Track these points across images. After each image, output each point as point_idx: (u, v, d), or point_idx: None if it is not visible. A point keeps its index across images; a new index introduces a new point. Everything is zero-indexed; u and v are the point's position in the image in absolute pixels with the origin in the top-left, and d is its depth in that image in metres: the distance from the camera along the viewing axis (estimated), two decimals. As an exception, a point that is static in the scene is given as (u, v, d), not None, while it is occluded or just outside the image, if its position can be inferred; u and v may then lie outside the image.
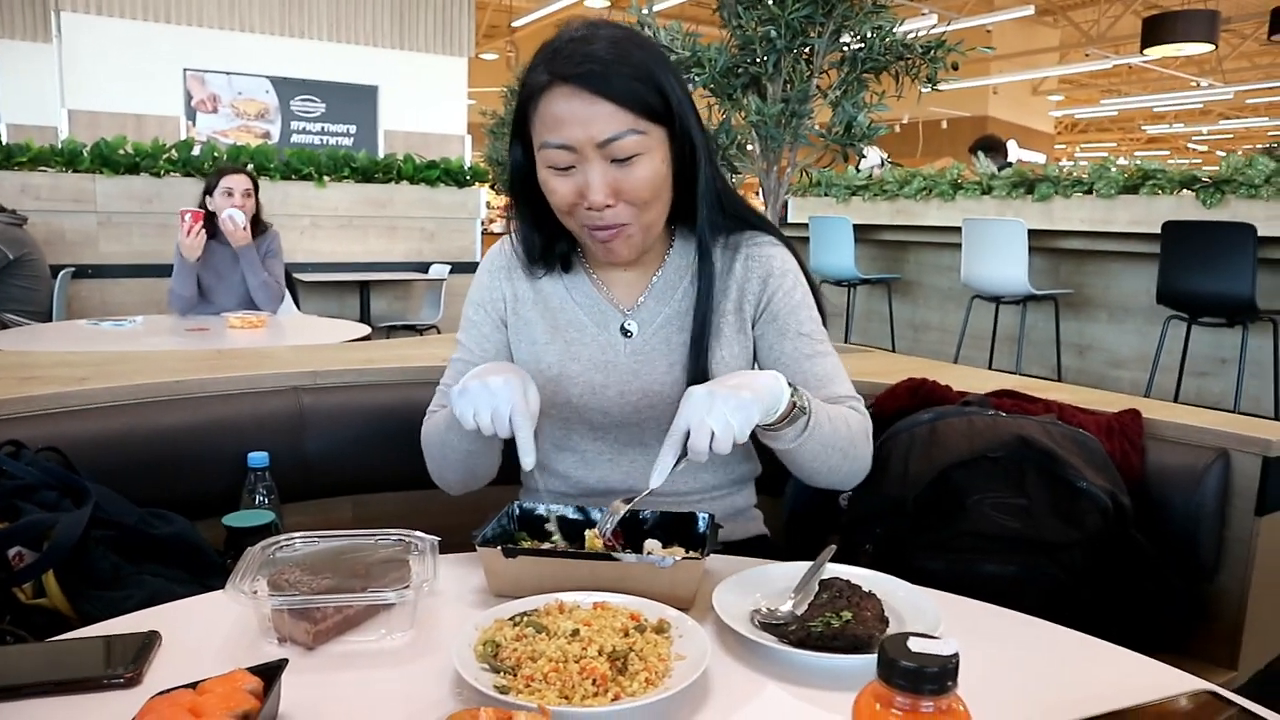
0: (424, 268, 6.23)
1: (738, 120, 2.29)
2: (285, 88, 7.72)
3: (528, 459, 1.04)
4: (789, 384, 1.05)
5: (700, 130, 1.18)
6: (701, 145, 1.18)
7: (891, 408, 1.46)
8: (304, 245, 5.77)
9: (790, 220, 6.16)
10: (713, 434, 0.96)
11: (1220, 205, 3.98)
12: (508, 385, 1.03)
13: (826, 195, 5.87)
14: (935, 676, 0.52)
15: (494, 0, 13.94)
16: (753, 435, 1.02)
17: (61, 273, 4.75)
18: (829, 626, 0.85)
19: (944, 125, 16.51)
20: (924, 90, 2.34)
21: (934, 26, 11.52)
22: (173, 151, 5.40)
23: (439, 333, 5.92)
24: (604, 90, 1.07)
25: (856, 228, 5.31)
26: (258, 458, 1.46)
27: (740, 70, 2.27)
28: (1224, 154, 3.94)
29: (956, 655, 0.53)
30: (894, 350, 5.50)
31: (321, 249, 5.90)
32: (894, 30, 2.27)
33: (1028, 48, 15.78)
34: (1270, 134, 21.17)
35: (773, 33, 2.18)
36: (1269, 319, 3.78)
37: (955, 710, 0.54)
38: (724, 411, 0.97)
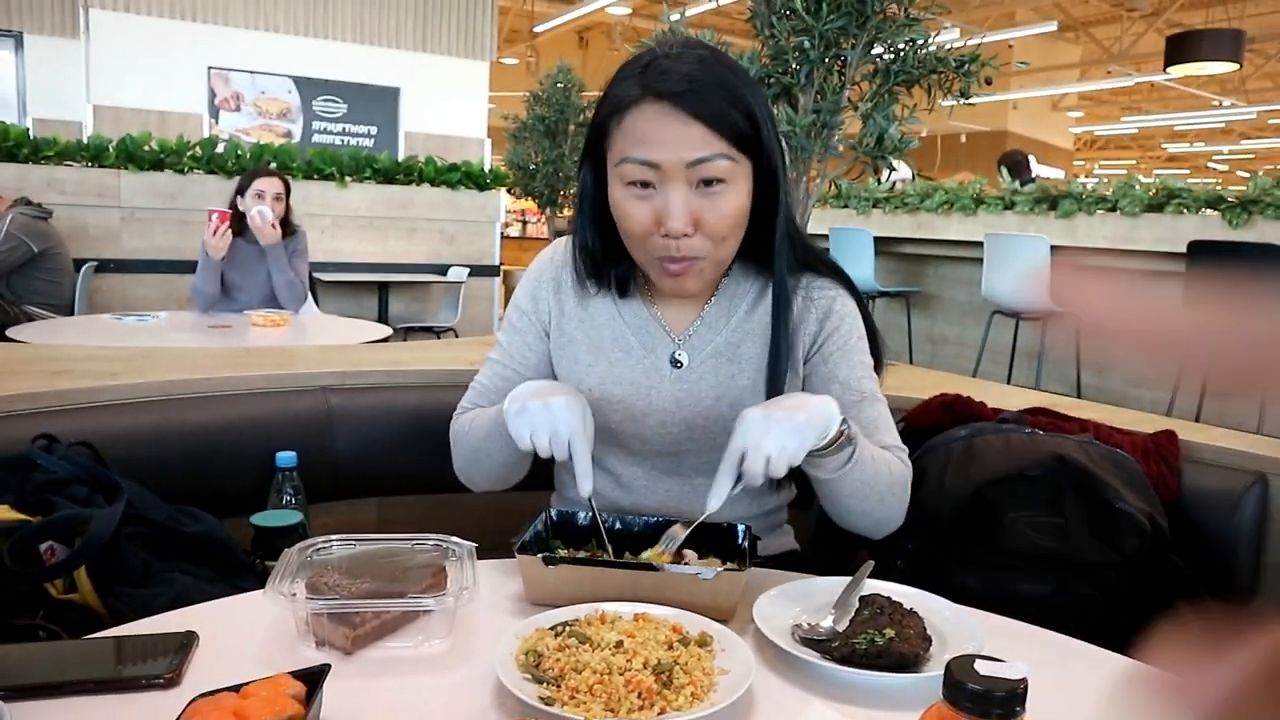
0: (443, 270, 6.24)
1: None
2: (308, 88, 7.76)
3: (585, 485, 1.02)
4: (839, 412, 1.03)
5: (784, 169, 1.15)
6: (784, 183, 1.14)
7: (925, 423, 1.45)
8: (324, 245, 5.79)
9: (811, 231, 6.15)
10: (768, 458, 0.95)
11: (1247, 226, 3.95)
12: (569, 410, 1.02)
13: (847, 206, 5.86)
14: (1004, 701, 0.51)
15: (515, 5, 13.99)
16: None
17: (84, 267, 4.78)
18: (872, 644, 0.84)
19: (963, 139, 16.47)
20: (955, 104, 2.33)
21: (957, 40, 11.53)
22: (197, 149, 5.43)
23: (456, 335, 5.92)
24: (700, 111, 1.03)
25: (877, 240, 5.29)
26: (286, 457, 1.46)
27: (772, 80, 2.27)
28: (1248, 174, 3.90)
29: (1025, 680, 0.52)
30: (911, 363, 5.48)
31: (342, 249, 5.92)
32: (928, 43, 2.26)
33: (1049, 63, 15.74)
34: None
35: (806, 43, 2.17)
36: (1294, 341, 3.75)
37: (1023, 737, 0.53)
38: (780, 435, 0.95)
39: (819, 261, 1.24)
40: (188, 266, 3.60)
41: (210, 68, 7.38)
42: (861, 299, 1.26)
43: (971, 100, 2.21)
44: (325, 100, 7.83)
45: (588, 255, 1.21)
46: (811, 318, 1.22)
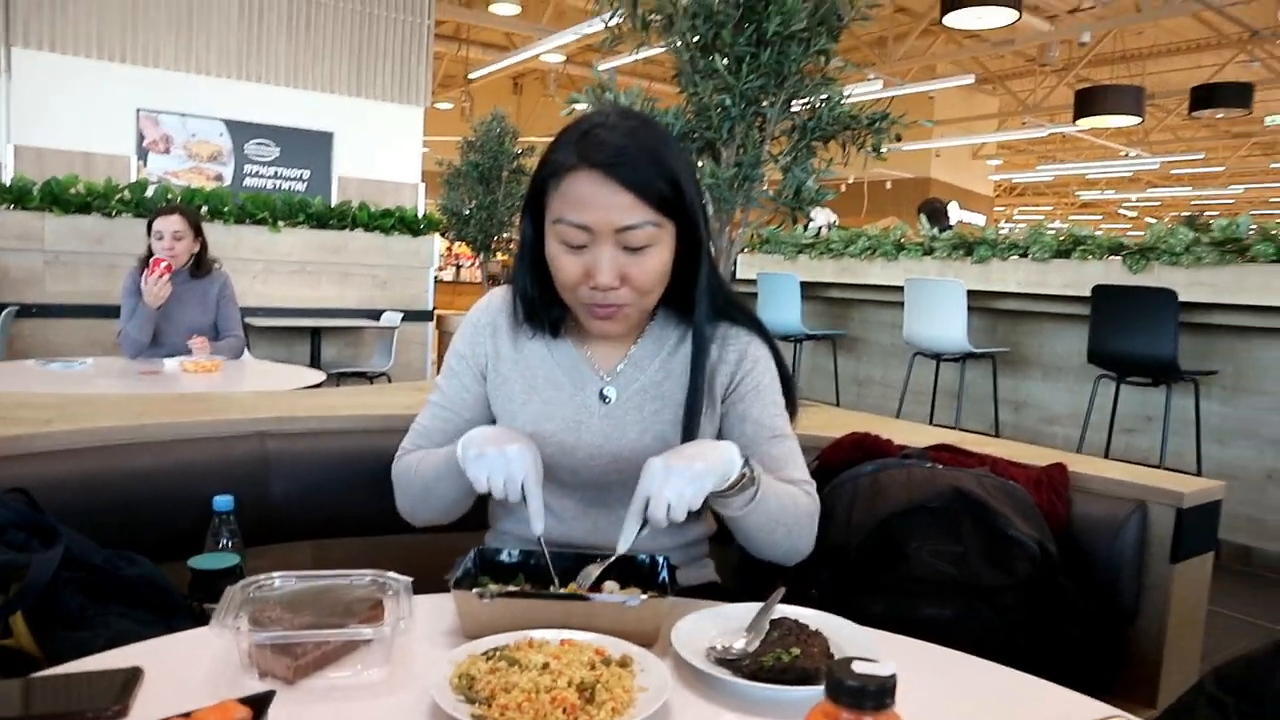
0: (376, 315, 6.24)
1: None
2: (240, 131, 7.72)
3: (538, 525, 1.11)
4: (742, 455, 1.12)
5: (706, 226, 1.26)
6: (705, 241, 1.25)
7: (836, 460, 1.55)
8: (256, 289, 5.76)
9: (740, 276, 6.32)
10: (669, 505, 1.04)
11: (1145, 270, 4.19)
12: (522, 455, 1.11)
13: (775, 253, 6.04)
14: (876, 693, 0.59)
15: (450, 51, 14.14)
16: (706, 501, 1.10)
17: (5, 311, 4.69)
18: (779, 661, 0.92)
19: (888, 186, 17.01)
20: (872, 157, 2.47)
21: (880, 92, 11.95)
22: (126, 192, 5.38)
23: (389, 380, 5.92)
24: (629, 181, 1.13)
25: (803, 284, 5.47)
26: (223, 501, 1.48)
27: (696, 135, 2.39)
28: (1153, 220, 4.16)
29: (894, 675, 0.61)
30: (838, 404, 5.64)
31: (274, 294, 5.89)
32: (842, 102, 2.40)
33: (968, 114, 16.41)
34: (1194, 202, 22.16)
35: (728, 101, 2.30)
36: (1190, 379, 3.98)
37: (894, 728, 0.61)
38: (678, 484, 1.05)
39: (737, 311, 1.35)
40: (114, 311, 3.56)
41: (139, 109, 7.32)
42: (776, 346, 1.37)
43: (883, 155, 2.35)
44: (258, 144, 7.80)
45: (525, 299, 1.31)
46: (728, 361, 1.32)
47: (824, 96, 2.43)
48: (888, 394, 5.54)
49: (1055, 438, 4.77)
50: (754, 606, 1.09)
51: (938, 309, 4.59)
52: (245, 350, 3.77)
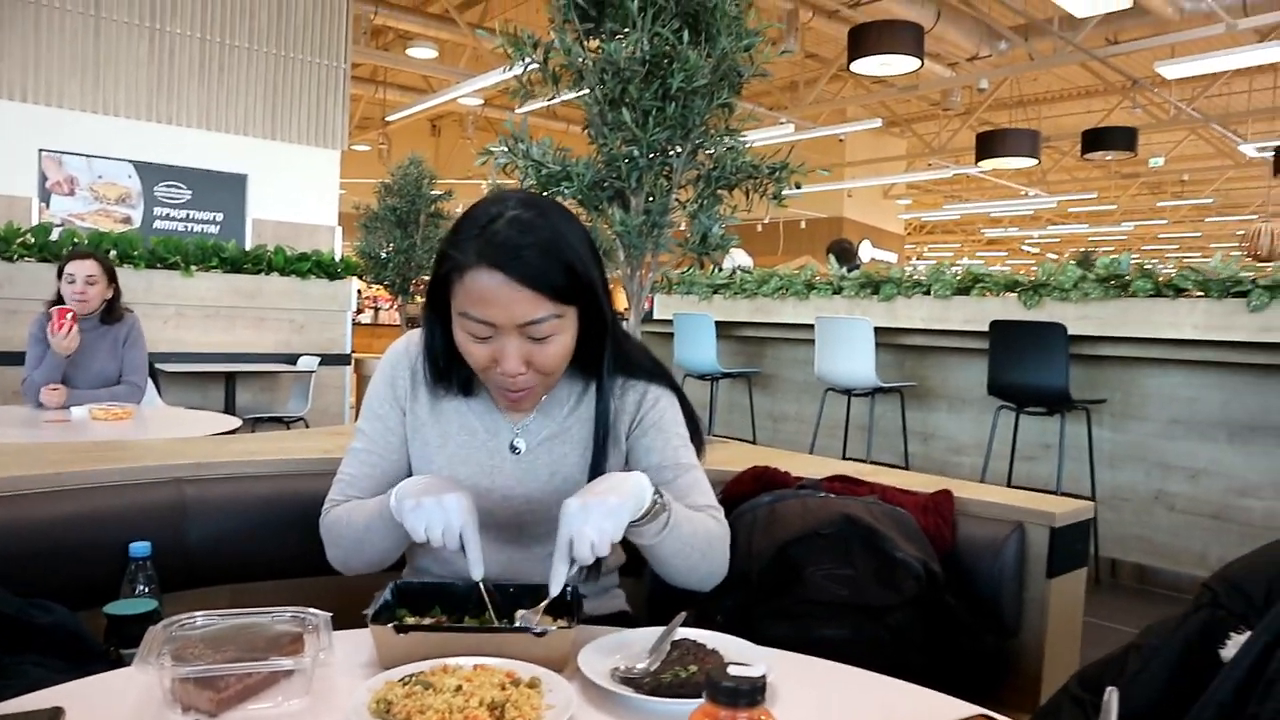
0: (293, 359, 6.18)
1: (603, 229, 2.49)
2: (149, 173, 7.58)
3: (478, 570, 1.15)
4: (651, 483, 1.18)
5: (609, 303, 1.31)
6: (609, 318, 1.31)
7: (737, 492, 1.64)
8: (168, 335, 5.66)
9: (656, 316, 6.46)
10: (592, 543, 1.09)
11: (1038, 306, 4.44)
12: (459, 503, 1.15)
13: (690, 294, 6.18)
14: (747, 692, 0.67)
15: (367, 94, 14.13)
16: None
17: (-101, 361, 4.53)
18: (677, 677, 1.00)
19: (803, 225, 17.48)
20: (772, 204, 2.60)
21: (792, 135, 12.31)
22: (29, 235, 5.26)
23: (306, 425, 5.86)
24: (528, 279, 1.17)
25: (718, 324, 5.61)
26: (139, 548, 1.50)
27: (606, 184, 2.49)
28: (1054, 255, 4.42)
29: (764, 676, 0.69)
30: (755, 440, 5.77)
31: (186, 339, 5.80)
32: (744, 152, 2.53)
33: (878, 155, 17.02)
34: (1090, 238, 23.26)
35: (635, 152, 2.40)
36: (1082, 408, 4.22)
37: (765, 722, 0.69)
38: (597, 519, 1.10)
39: (639, 365, 1.42)
40: (16, 359, 3.49)
41: (41, 150, 7.15)
42: (678, 388, 1.45)
43: (784, 202, 2.48)
44: (168, 186, 7.67)
45: (434, 370, 1.36)
46: (630, 403, 1.40)
47: (728, 147, 2.56)
48: (802, 429, 5.70)
49: (962, 467, 4.97)
50: (657, 630, 1.16)
51: (847, 346, 4.77)
52: (155, 396, 3.72)
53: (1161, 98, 12.38)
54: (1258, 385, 3.97)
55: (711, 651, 1.07)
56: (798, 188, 2.50)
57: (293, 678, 0.99)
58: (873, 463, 4.98)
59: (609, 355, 1.34)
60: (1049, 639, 1.64)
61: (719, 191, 2.53)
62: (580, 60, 2.52)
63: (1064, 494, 4.18)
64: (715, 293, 6.03)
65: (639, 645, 1.12)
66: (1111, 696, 0.81)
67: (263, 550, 1.72)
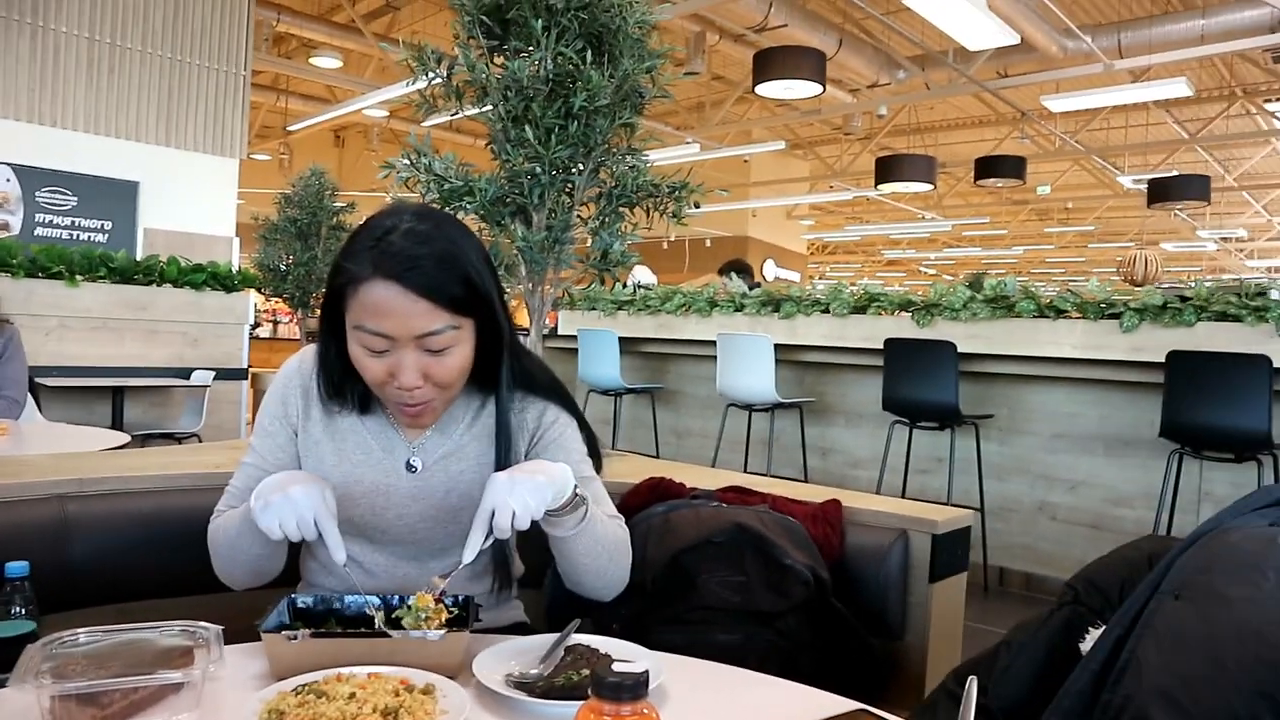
0: (186, 374, 5.98)
1: (505, 245, 2.51)
2: (30, 177, 7.25)
3: (340, 554, 1.15)
4: (574, 478, 1.21)
5: (506, 316, 1.32)
6: (506, 330, 1.32)
7: (634, 504, 1.67)
8: (49, 348, 5.42)
9: (561, 332, 6.48)
10: (514, 513, 1.11)
11: (930, 325, 4.62)
12: (308, 493, 1.14)
13: (594, 310, 6.23)
14: (630, 686, 0.71)
15: (268, 101, 13.80)
16: (522, 535, 1.18)
17: None
18: (569, 680, 1.02)
19: (708, 244, 17.74)
20: (672, 222, 2.66)
21: (698, 155, 12.51)
22: (-102, 244, 4.98)
23: (200, 441, 5.68)
24: (424, 289, 1.17)
25: (622, 340, 5.66)
26: (15, 567, 1.45)
27: (509, 200, 2.51)
28: (950, 277, 4.60)
29: (646, 672, 0.72)
30: (659, 455, 5.83)
31: (70, 352, 5.56)
32: (645, 171, 2.59)
33: (782, 177, 17.42)
34: (984, 261, 24.22)
35: (537, 169, 2.43)
36: (971, 423, 4.40)
37: (647, 715, 0.72)
38: (523, 493, 1.12)
39: (537, 382, 1.43)
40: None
41: (-89, 153, 6.79)
42: (575, 406, 1.47)
43: (684, 221, 2.54)
44: (51, 191, 7.35)
45: (330, 386, 1.35)
46: (528, 421, 1.41)
47: (630, 165, 2.61)
48: (705, 444, 5.78)
49: (859, 480, 5.12)
50: (552, 637, 1.19)
51: (748, 362, 4.87)
52: (35, 411, 3.56)
53: (1048, 130, 13.01)
54: (1130, 401, 4.22)
55: (604, 656, 1.10)
56: (697, 207, 2.56)
57: (181, 692, 0.98)
58: (772, 476, 5.09)
59: (507, 370, 1.35)
60: (932, 640, 1.72)
61: (620, 209, 2.58)
62: (484, 77, 2.54)
63: (955, 505, 4.36)
64: (619, 309, 6.08)
65: (533, 651, 1.15)
66: (971, 685, 0.86)
67: (150, 568, 1.67)
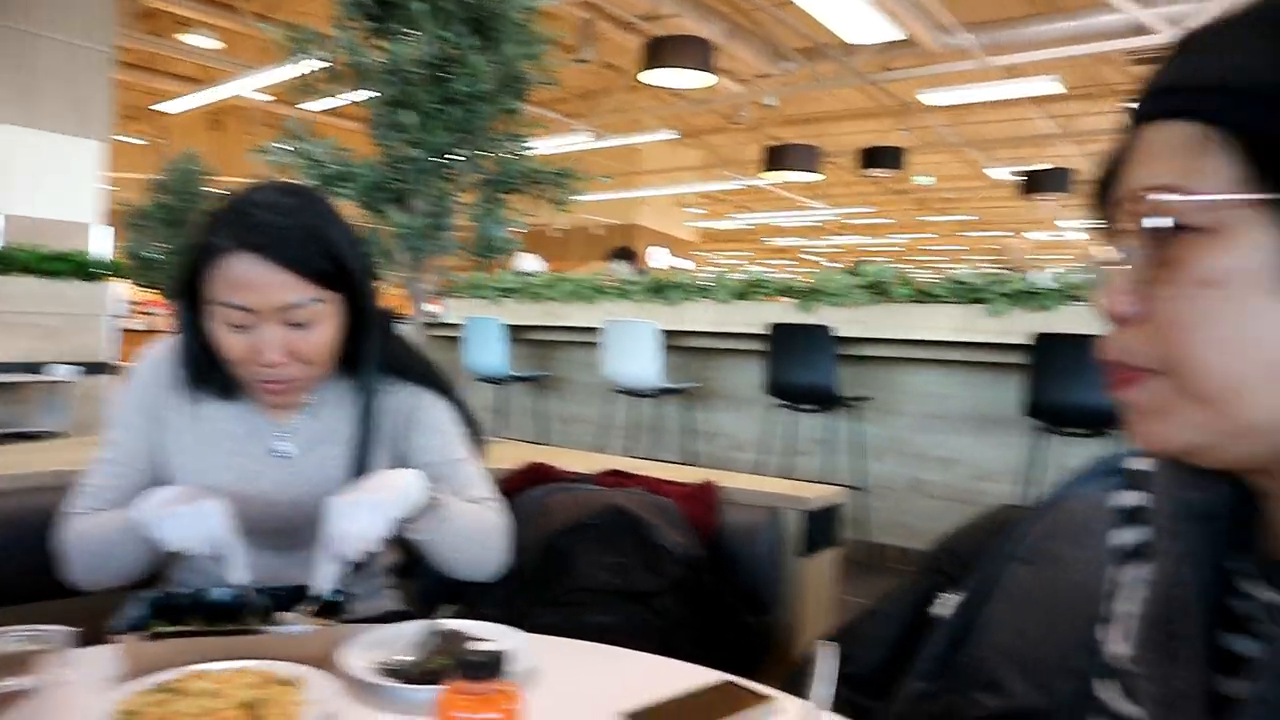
0: (36, 368, 5.66)
1: (384, 230, 2.47)
2: None
3: (241, 575, 1.13)
4: (426, 481, 1.19)
5: (373, 295, 1.30)
6: (375, 314, 1.30)
7: (512, 489, 1.68)
8: (-111, 342, 5.07)
9: (446, 321, 6.40)
10: (358, 539, 1.09)
11: (812, 310, 4.75)
12: (217, 510, 1.12)
13: (480, 297, 6.17)
14: (488, 665, 0.72)
15: (139, 81, 13.12)
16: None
17: None
18: (441, 666, 1.02)
19: (599, 232, 17.75)
20: (556, 209, 2.67)
21: (588, 143, 12.49)
22: None
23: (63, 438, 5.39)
24: (288, 260, 1.16)
25: (509, 327, 5.64)
26: None
27: (388, 186, 2.47)
28: (838, 264, 4.72)
29: (502, 653, 0.73)
30: (545, 442, 5.84)
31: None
32: (529, 158, 2.58)
33: (673, 165, 17.54)
34: (868, 249, 24.97)
35: (417, 154, 2.40)
36: (850, 405, 4.55)
37: (508, 693, 0.74)
38: (363, 516, 1.10)
39: (409, 365, 1.41)
40: None
41: None
42: (449, 388, 1.45)
43: (567, 208, 2.55)
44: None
45: (192, 371, 1.31)
46: (401, 404, 1.39)
47: (513, 152, 2.60)
48: (592, 430, 5.81)
49: (744, 464, 5.23)
50: (424, 624, 1.18)
51: (634, 348, 4.92)
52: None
53: (927, 122, 13.47)
54: (997, 382, 4.43)
55: (476, 640, 1.10)
56: (580, 195, 2.57)
57: (29, 698, 0.94)
58: (656, 460, 5.16)
59: (376, 353, 1.34)
60: (804, 614, 1.78)
61: (502, 196, 2.57)
62: (364, 60, 2.49)
63: (836, 485, 4.50)
64: (505, 296, 6.05)
65: (405, 639, 1.14)
66: (826, 652, 0.91)
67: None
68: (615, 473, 1.74)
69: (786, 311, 4.86)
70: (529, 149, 2.63)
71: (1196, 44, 0.56)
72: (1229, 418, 0.53)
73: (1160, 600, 0.64)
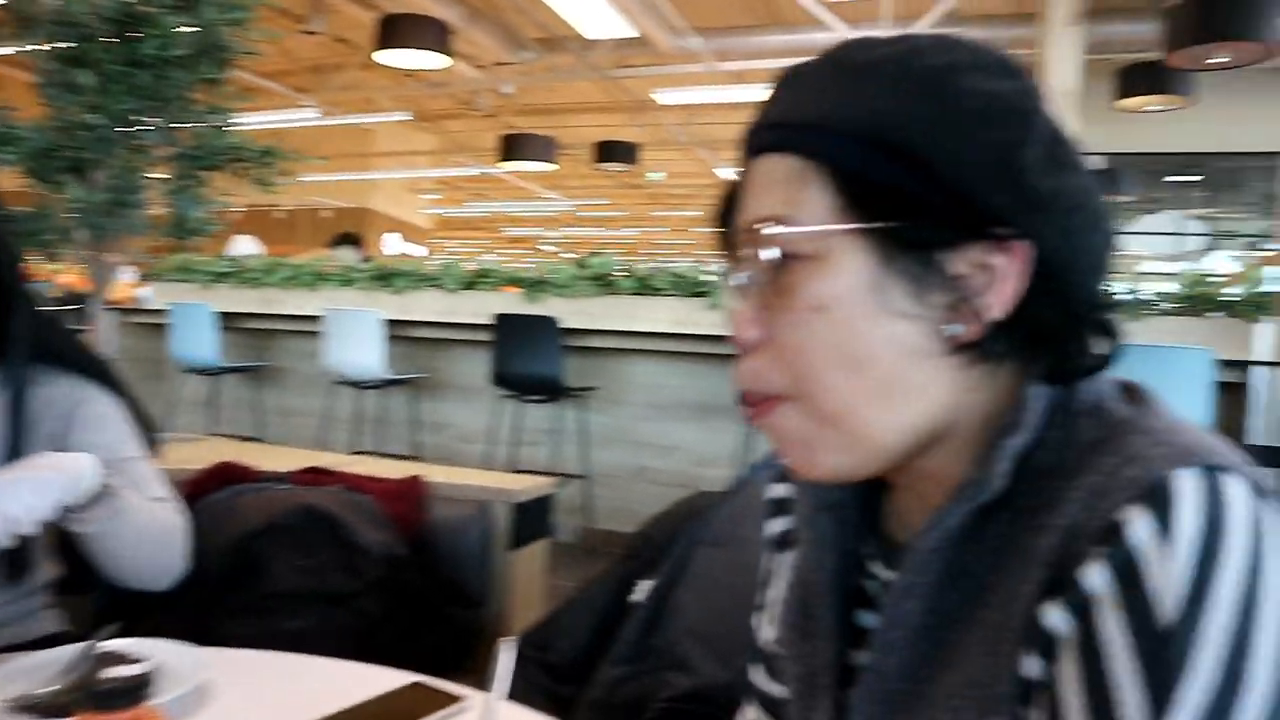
0: None
1: (58, 204, 2.21)
2: None
3: None
4: (100, 467, 1.09)
5: (17, 272, 1.18)
6: (18, 288, 1.18)
7: (199, 490, 1.56)
8: None
9: (149, 308, 5.87)
10: (16, 519, 0.98)
11: (540, 301, 4.78)
12: None
13: (189, 281, 5.70)
14: (121, 692, 0.66)
15: None
16: (59, 532, 1.05)
17: None
18: (87, 694, 0.93)
19: (327, 214, 16.92)
20: (261, 190, 2.50)
21: (317, 120, 11.85)
22: None
23: None
24: None
25: (222, 315, 5.25)
26: None
27: (62, 153, 2.21)
28: (573, 255, 4.76)
29: (146, 675, 0.67)
30: (265, 439, 5.50)
31: None
32: (230, 133, 2.40)
33: (408, 149, 17.04)
34: (602, 242, 25.57)
35: (94, 119, 2.16)
36: (576, 395, 4.64)
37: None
38: (24, 495, 1.00)
39: (67, 355, 1.30)
40: None
41: None
42: (115, 382, 1.34)
43: (273, 188, 2.40)
44: None
45: None
46: (58, 398, 1.27)
47: (213, 126, 2.41)
48: (314, 424, 5.54)
49: (473, 455, 5.19)
50: (78, 647, 1.07)
51: (357, 338, 4.74)
52: None
53: (660, 120, 13.97)
54: (715, 372, 4.68)
55: (136, 659, 1.01)
56: (290, 176, 2.43)
57: None
58: (384, 455, 5.01)
59: (23, 340, 1.21)
60: (515, 606, 1.79)
61: (201, 172, 2.37)
62: (29, 6, 2.20)
63: (563, 475, 4.58)
64: (218, 281, 5.62)
65: (55, 666, 1.03)
66: (506, 647, 0.91)
67: None
68: (314, 470, 1.66)
69: (515, 302, 4.87)
70: (235, 123, 2.44)
71: (796, 82, 0.60)
72: (858, 437, 0.57)
73: (800, 584, 0.70)
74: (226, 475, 1.58)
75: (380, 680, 1.10)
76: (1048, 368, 0.57)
